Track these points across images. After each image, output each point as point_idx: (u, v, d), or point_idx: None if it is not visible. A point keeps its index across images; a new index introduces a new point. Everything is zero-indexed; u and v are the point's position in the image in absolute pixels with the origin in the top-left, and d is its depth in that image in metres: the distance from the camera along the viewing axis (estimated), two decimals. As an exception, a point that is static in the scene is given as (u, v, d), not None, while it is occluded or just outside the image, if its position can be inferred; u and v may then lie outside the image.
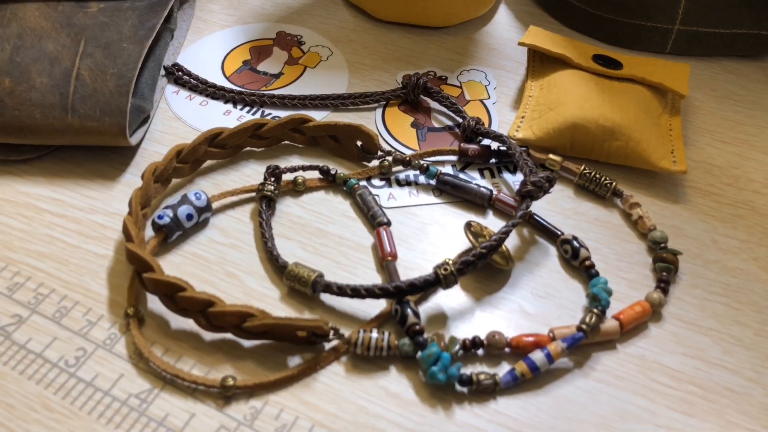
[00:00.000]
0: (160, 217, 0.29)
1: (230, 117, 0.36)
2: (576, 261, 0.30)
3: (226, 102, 0.37)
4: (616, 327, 0.27)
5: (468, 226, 0.30)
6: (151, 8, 0.37)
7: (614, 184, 0.32)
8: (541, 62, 0.37)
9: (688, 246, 0.31)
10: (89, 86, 0.32)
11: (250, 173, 0.33)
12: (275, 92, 0.37)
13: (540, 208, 0.32)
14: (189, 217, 0.30)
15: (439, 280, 0.27)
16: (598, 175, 0.32)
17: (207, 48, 0.40)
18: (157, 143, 0.35)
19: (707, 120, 0.37)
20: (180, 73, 0.37)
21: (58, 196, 0.32)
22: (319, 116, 0.36)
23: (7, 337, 0.27)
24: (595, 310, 0.28)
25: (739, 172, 0.34)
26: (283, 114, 0.36)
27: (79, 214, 0.31)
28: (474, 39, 0.41)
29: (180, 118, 0.36)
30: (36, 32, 0.35)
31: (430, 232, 0.31)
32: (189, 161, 0.32)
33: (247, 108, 0.36)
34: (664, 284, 0.29)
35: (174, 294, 0.26)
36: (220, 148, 0.33)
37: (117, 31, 0.35)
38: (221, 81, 0.38)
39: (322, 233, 0.31)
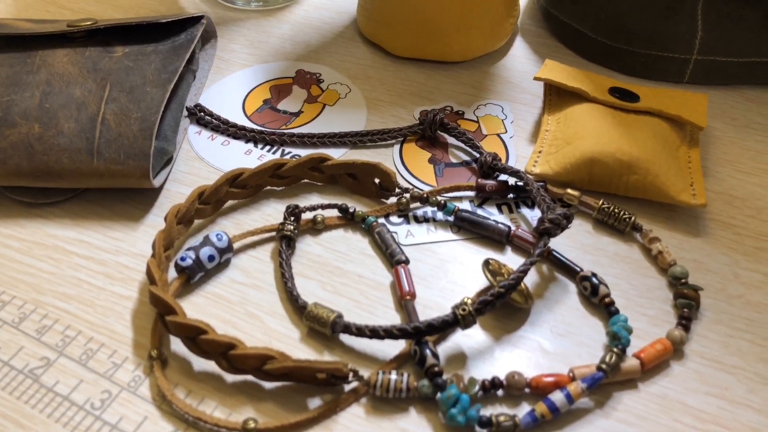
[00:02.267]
0: (182, 259, 0.30)
1: (251, 156, 0.37)
2: (596, 298, 0.30)
3: (247, 141, 0.37)
4: (636, 366, 0.27)
5: (486, 264, 0.30)
6: (174, 51, 0.38)
7: (633, 218, 0.32)
8: (557, 96, 0.38)
9: (710, 281, 0.31)
10: (114, 130, 0.33)
11: (271, 212, 0.34)
12: (295, 131, 0.38)
13: (559, 243, 0.32)
14: (211, 258, 0.30)
15: (457, 320, 0.27)
16: (616, 210, 0.32)
17: (228, 87, 0.41)
18: (180, 184, 0.35)
19: (727, 150, 0.37)
20: (202, 113, 0.38)
21: (84, 237, 0.33)
22: (337, 154, 0.37)
23: (35, 380, 0.28)
24: (615, 349, 0.27)
25: (762, 204, 0.34)
26: (302, 152, 0.37)
27: (105, 255, 0.32)
28: (490, 73, 0.41)
29: (202, 159, 0.37)
30: (64, 78, 0.36)
31: (449, 270, 0.31)
32: (211, 202, 0.32)
33: (268, 147, 0.37)
34: (685, 321, 0.29)
35: (196, 337, 0.27)
36: (240, 188, 0.33)
37: (141, 75, 0.36)
38: (242, 120, 0.39)
39: (341, 272, 0.31)
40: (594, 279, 0.30)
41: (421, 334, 0.27)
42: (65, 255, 0.32)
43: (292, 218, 0.32)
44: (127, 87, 0.35)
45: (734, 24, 0.37)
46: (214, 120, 0.38)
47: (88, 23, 0.38)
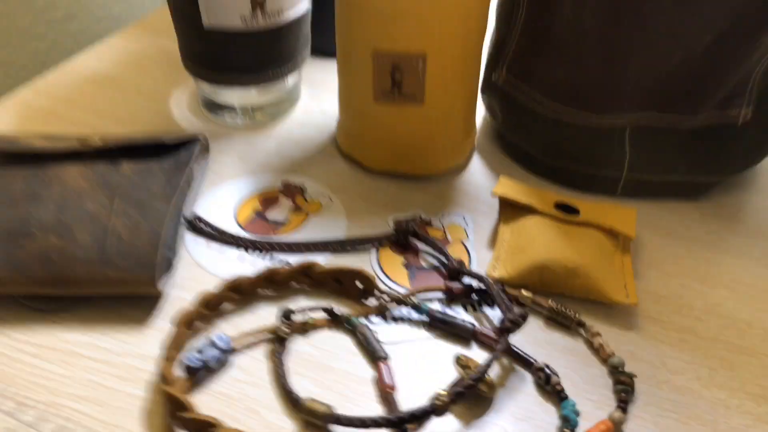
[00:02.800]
0: (190, 360, 0.34)
1: (244, 262, 0.41)
2: (549, 386, 0.35)
3: (239, 248, 0.42)
4: (586, 447, 0.32)
5: (457, 359, 0.35)
6: (176, 168, 0.43)
7: (578, 315, 0.38)
8: (511, 209, 0.44)
9: (643, 368, 0.36)
10: (125, 242, 0.38)
11: (264, 314, 0.38)
12: (283, 238, 0.43)
13: (516, 338, 0.37)
14: (216, 359, 0.34)
15: (435, 409, 0.32)
16: (564, 308, 0.38)
17: (221, 197, 0.46)
18: (179, 288, 0.39)
19: (654, 255, 0.43)
20: (201, 224, 0.43)
21: (94, 341, 0.36)
22: (321, 259, 0.41)
23: (57, 474, 0.30)
24: (566, 431, 0.32)
25: (683, 301, 0.40)
26: (290, 257, 0.41)
27: (115, 357, 0.35)
28: (453, 186, 0.48)
29: (200, 265, 0.41)
30: (76, 192, 0.40)
31: (424, 364, 0.36)
32: (214, 308, 0.37)
33: (258, 252, 0.42)
34: (623, 404, 0.34)
35: (206, 430, 0.30)
36: (238, 293, 0.38)
37: (147, 190, 0.41)
38: (234, 227, 0.43)
39: (330, 369, 0.35)
40: (547, 370, 0.35)
41: (404, 423, 0.31)
42: (77, 358, 0.35)
43: (286, 320, 0.37)
44: (134, 201, 0.40)
45: (656, 149, 0.44)
46: (210, 229, 0.43)
47: (98, 142, 0.43)
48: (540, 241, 0.40)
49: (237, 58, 0.48)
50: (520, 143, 0.48)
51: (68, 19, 0.69)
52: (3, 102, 0.54)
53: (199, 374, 0.34)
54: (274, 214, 0.45)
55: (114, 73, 0.58)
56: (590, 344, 0.37)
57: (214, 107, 0.53)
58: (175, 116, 0.53)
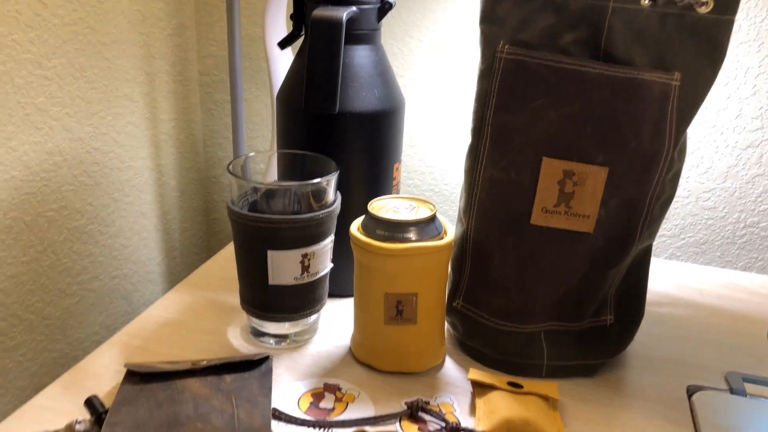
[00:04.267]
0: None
1: (314, 436, 0.61)
2: (525, 493, 0.56)
3: (308, 427, 0.62)
4: None
5: (467, 479, 0.56)
6: (263, 375, 0.64)
7: (534, 450, 0.60)
8: (480, 387, 0.68)
9: (579, 479, 0.58)
10: (246, 423, 0.58)
11: (337, 466, 0.58)
12: (334, 420, 0.64)
13: (499, 468, 0.59)
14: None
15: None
16: (524, 446, 0.61)
17: (284, 396, 0.66)
18: (276, 455, 0.59)
19: (572, 411, 0.67)
20: (278, 413, 0.63)
21: (229, 491, 0.54)
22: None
23: None
24: None
25: (595, 438, 0.64)
26: (344, 431, 0.62)
27: (247, 500, 0.54)
28: (437, 377, 0.71)
29: (285, 440, 0.61)
30: (202, 396, 0.61)
31: (445, 488, 0.56)
32: (308, 461, 0.56)
33: (320, 430, 0.62)
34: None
35: None
36: (319, 453, 0.58)
37: (250, 391, 0.62)
38: (299, 413, 0.64)
39: (389, 494, 0.55)
40: (522, 483, 0.56)
41: None
42: (221, 503, 0.53)
43: (355, 467, 0.57)
44: (245, 398, 0.60)
45: (561, 344, 0.71)
46: (286, 417, 0.63)
47: (204, 363, 0.65)
48: (503, 406, 0.64)
49: (286, 303, 0.73)
50: (476, 346, 0.74)
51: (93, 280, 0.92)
52: (110, 341, 0.74)
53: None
54: (324, 403, 0.66)
55: (179, 318, 0.80)
56: (544, 467, 0.60)
57: (259, 335, 0.76)
58: (234, 345, 0.75)
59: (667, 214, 1.08)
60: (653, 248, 1.08)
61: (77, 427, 0.59)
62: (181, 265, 1.25)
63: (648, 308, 0.88)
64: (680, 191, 1.06)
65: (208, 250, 1.34)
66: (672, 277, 0.98)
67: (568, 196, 0.66)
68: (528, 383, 0.68)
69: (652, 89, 0.62)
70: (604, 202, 0.66)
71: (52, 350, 0.94)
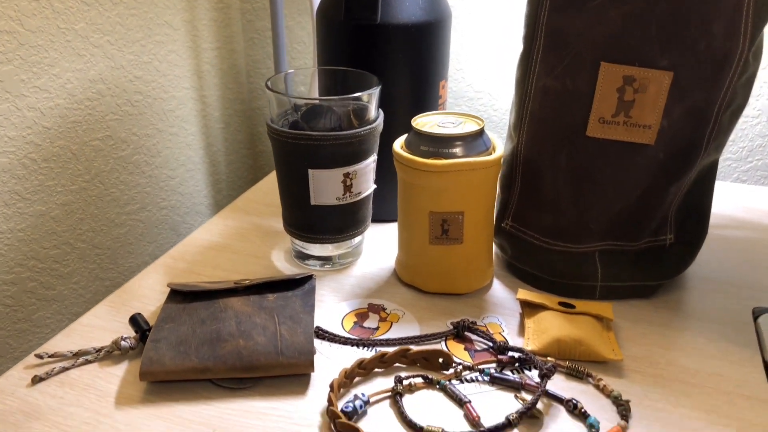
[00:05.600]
0: (347, 407, 0.52)
1: (356, 354, 0.60)
2: (576, 410, 0.54)
3: (351, 346, 0.61)
4: (606, 440, 0.51)
5: (515, 396, 0.54)
6: (306, 294, 0.63)
7: (586, 370, 0.58)
8: (530, 307, 0.65)
9: (632, 398, 0.56)
10: (288, 339, 0.57)
11: (381, 381, 0.57)
12: (377, 338, 0.62)
13: (549, 386, 0.57)
14: (360, 407, 0.52)
15: (510, 422, 0.50)
16: (576, 366, 0.58)
17: (327, 315, 0.66)
18: (318, 368, 0.58)
19: (628, 333, 0.64)
20: (321, 332, 0.63)
21: (273, 405, 0.54)
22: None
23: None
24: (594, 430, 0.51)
25: (652, 359, 0.61)
26: (386, 350, 0.61)
27: (290, 413, 0.53)
28: (484, 299, 0.69)
29: (327, 357, 0.60)
30: (245, 313, 0.60)
31: (491, 406, 0.55)
32: (351, 378, 0.55)
33: (363, 348, 0.61)
34: (625, 418, 0.53)
35: (371, 443, 0.48)
36: (363, 369, 0.57)
37: (293, 309, 0.61)
38: (342, 332, 0.63)
39: (431, 412, 0.54)
40: (574, 400, 0.54)
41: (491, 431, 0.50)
42: (265, 417, 0.53)
43: (400, 384, 0.55)
44: (288, 315, 0.60)
45: (617, 265, 0.67)
46: (328, 335, 0.62)
47: (246, 282, 0.64)
48: (554, 325, 0.61)
49: (329, 225, 0.71)
50: (525, 267, 0.71)
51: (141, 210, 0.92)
52: (156, 263, 0.74)
53: (352, 417, 0.52)
54: (368, 323, 0.65)
55: (224, 242, 0.80)
56: (597, 386, 0.57)
57: (303, 257, 0.75)
58: (278, 267, 0.74)
59: (734, 135, 1.00)
60: (717, 172, 1.02)
61: (122, 343, 0.59)
62: (227, 198, 1.25)
63: (710, 230, 0.83)
64: (749, 110, 0.98)
65: (253, 182, 1.33)
66: (738, 199, 0.92)
67: (628, 104, 0.61)
68: (580, 303, 0.65)
69: (725, -19, 0.56)
70: (667, 111, 0.61)
71: (104, 278, 0.96)
